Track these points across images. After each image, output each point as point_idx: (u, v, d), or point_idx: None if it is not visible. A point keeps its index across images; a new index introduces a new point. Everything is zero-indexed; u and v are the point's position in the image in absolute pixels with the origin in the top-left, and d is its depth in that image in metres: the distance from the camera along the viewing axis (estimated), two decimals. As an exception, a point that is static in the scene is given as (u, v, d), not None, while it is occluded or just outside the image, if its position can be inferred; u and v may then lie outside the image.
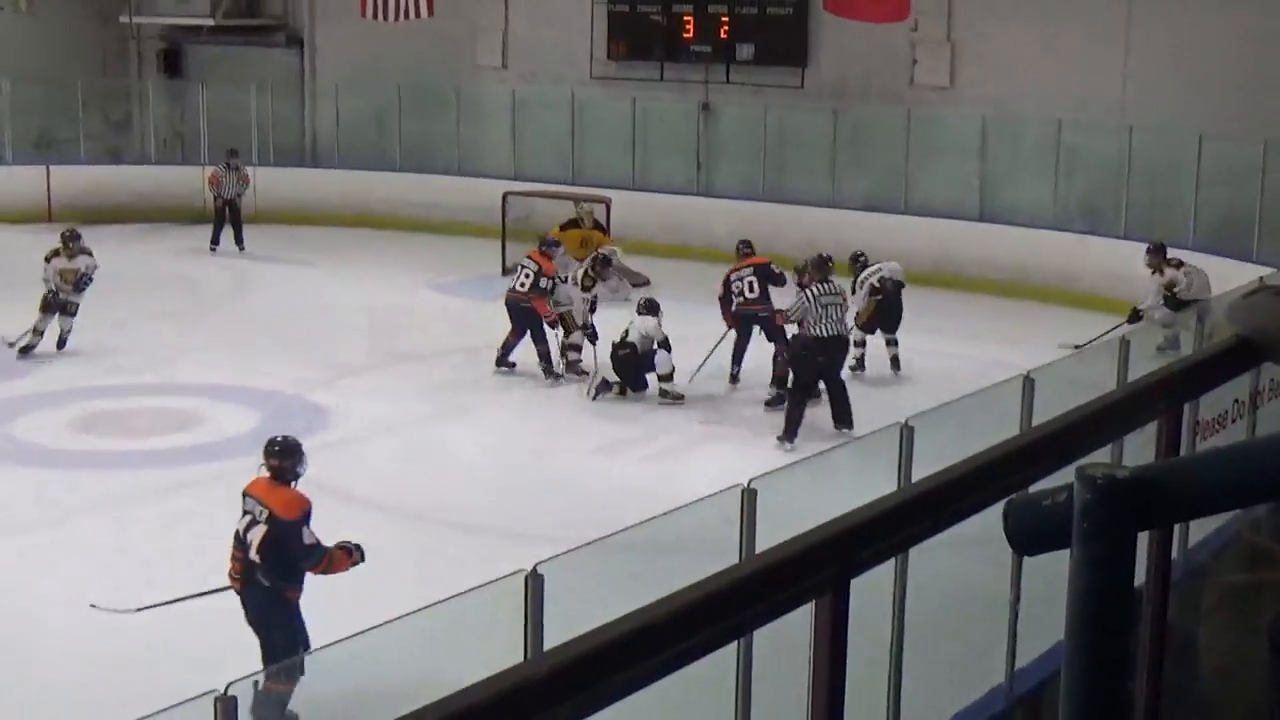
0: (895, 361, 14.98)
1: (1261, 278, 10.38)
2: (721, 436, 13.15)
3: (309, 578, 7.79)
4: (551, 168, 22.64)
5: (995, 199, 20.01)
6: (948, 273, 19.23)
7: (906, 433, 6.09)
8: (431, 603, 4.89)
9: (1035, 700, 6.64)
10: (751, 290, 14.38)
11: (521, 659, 3.89)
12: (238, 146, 22.32)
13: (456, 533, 10.69)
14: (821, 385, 13.02)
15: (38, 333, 15.04)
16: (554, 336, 14.83)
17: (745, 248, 15.07)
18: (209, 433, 12.92)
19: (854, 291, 14.67)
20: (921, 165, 20.25)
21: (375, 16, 22.50)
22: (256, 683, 6.74)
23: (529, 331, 14.66)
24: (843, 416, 12.77)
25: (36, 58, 24.61)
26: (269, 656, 7.64)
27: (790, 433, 12.57)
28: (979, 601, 7.07)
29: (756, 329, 14.34)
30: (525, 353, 14.74)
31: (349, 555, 7.83)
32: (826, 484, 6.65)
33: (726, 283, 14.61)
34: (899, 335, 15.01)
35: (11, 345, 14.96)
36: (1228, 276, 13.85)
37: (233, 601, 7.88)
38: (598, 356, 14.45)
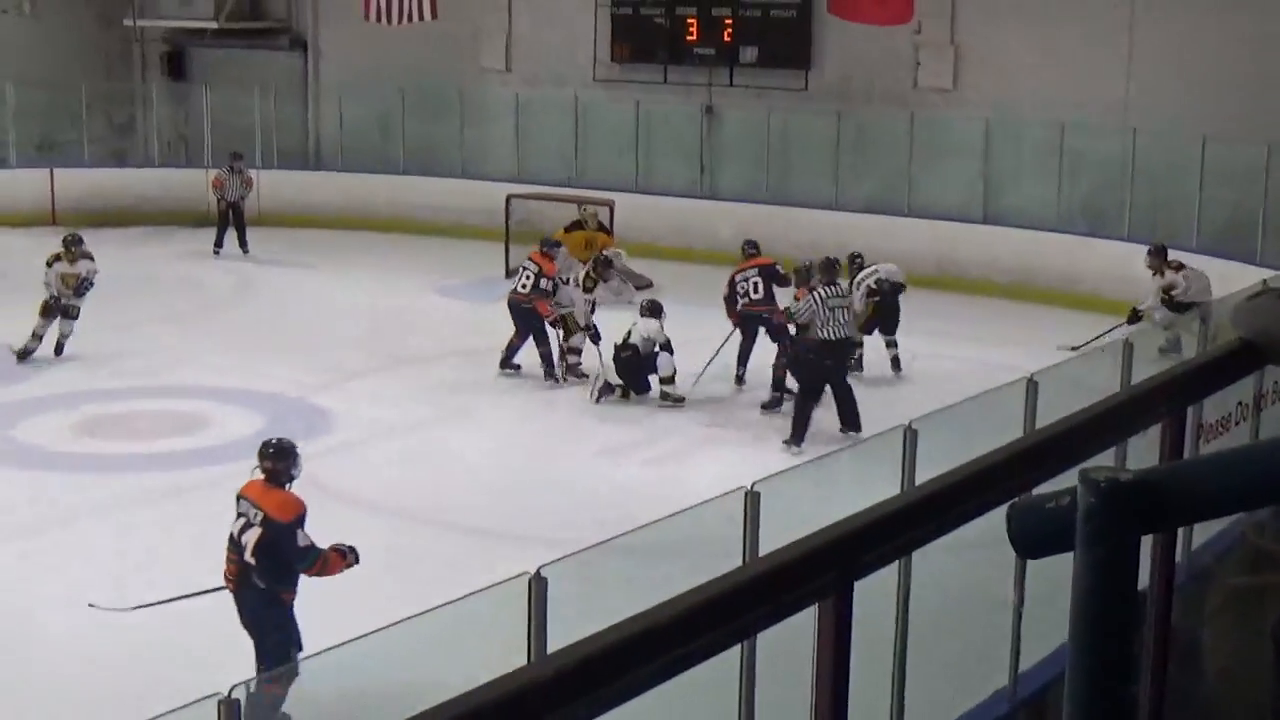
0: (896, 362, 15.00)
1: (1265, 280, 10.37)
2: (725, 439, 13.14)
3: (305, 580, 7.80)
4: (555, 170, 22.64)
5: (998, 201, 20.01)
6: (950, 275, 19.24)
7: (910, 435, 6.09)
8: (435, 606, 4.89)
9: (1039, 703, 6.64)
10: (756, 291, 14.40)
11: (525, 662, 3.89)
12: (241, 149, 22.32)
13: (459, 535, 10.69)
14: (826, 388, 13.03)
15: (36, 337, 15.02)
16: (556, 338, 14.84)
17: (751, 248, 15.10)
18: (212, 436, 12.92)
19: (851, 292, 14.69)
20: (925, 167, 20.25)
21: (379, 19, 22.52)
22: (247, 685, 6.73)
23: (532, 333, 14.68)
24: (849, 420, 12.76)
25: (40, 61, 24.63)
26: (262, 657, 7.66)
27: (797, 436, 12.55)
28: (982, 604, 7.06)
29: (761, 330, 14.35)
30: (530, 355, 14.76)
31: (343, 558, 7.82)
32: (830, 487, 6.65)
33: (732, 283, 14.65)
34: (898, 336, 15.04)
35: (14, 351, 14.96)
36: (1231, 278, 13.85)
37: (231, 602, 7.90)
38: (602, 357, 14.44)
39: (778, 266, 14.57)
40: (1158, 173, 18.43)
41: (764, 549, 5.09)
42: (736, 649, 5.02)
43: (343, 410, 13.60)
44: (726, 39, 21.70)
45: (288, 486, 7.93)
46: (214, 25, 25.30)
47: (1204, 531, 6.37)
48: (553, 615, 4.80)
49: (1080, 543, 1.45)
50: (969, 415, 6.66)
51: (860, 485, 6.52)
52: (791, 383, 13.60)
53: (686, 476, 11.78)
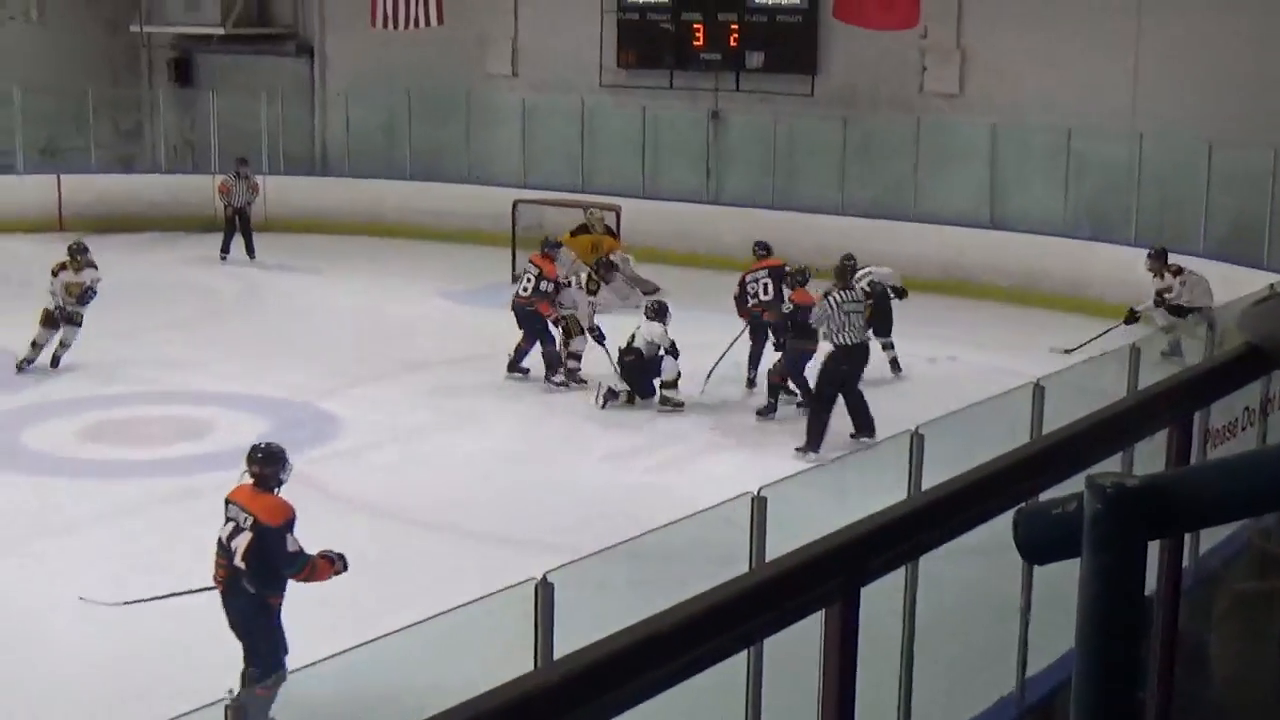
0: (895, 364, 14.99)
1: (1272, 285, 10.37)
2: (731, 444, 13.13)
3: (307, 586, 7.79)
4: (561, 176, 22.66)
5: (1004, 206, 20.00)
6: (957, 279, 19.24)
7: (917, 441, 6.09)
8: (440, 611, 4.89)
9: (1047, 708, 6.63)
10: (766, 292, 14.42)
11: (531, 667, 3.90)
12: (248, 155, 22.34)
13: (464, 540, 10.69)
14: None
15: (36, 347, 14.95)
16: (559, 341, 14.84)
17: (761, 249, 15.13)
18: (218, 441, 12.91)
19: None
20: (931, 172, 20.24)
21: (385, 25, 22.55)
22: (231, 690, 6.71)
23: (537, 335, 14.69)
24: (863, 425, 12.72)
25: (47, 67, 24.69)
26: (251, 661, 7.65)
27: (813, 443, 12.44)
28: (990, 610, 7.06)
29: (771, 332, 14.37)
30: (537, 359, 14.77)
31: (331, 564, 7.78)
32: (836, 492, 6.65)
33: (742, 283, 14.69)
34: (893, 339, 15.02)
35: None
36: (1238, 283, 13.85)
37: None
38: (611, 357, 14.41)
39: (787, 268, 14.59)
40: (1164, 177, 18.41)
41: (771, 554, 5.10)
42: (744, 654, 5.02)
43: (349, 415, 13.61)
44: (732, 44, 21.72)
45: (276, 491, 7.92)
46: (221, 31, 25.36)
47: (1211, 537, 6.37)
48: (559, 621, 4.80)
49: (1087, 548, 1.45)
50: (975, 420, 6.66)
51: (866, 490, 6.52)
52: (791, 386, 13.63)
53: (693, 481, 11.77)
